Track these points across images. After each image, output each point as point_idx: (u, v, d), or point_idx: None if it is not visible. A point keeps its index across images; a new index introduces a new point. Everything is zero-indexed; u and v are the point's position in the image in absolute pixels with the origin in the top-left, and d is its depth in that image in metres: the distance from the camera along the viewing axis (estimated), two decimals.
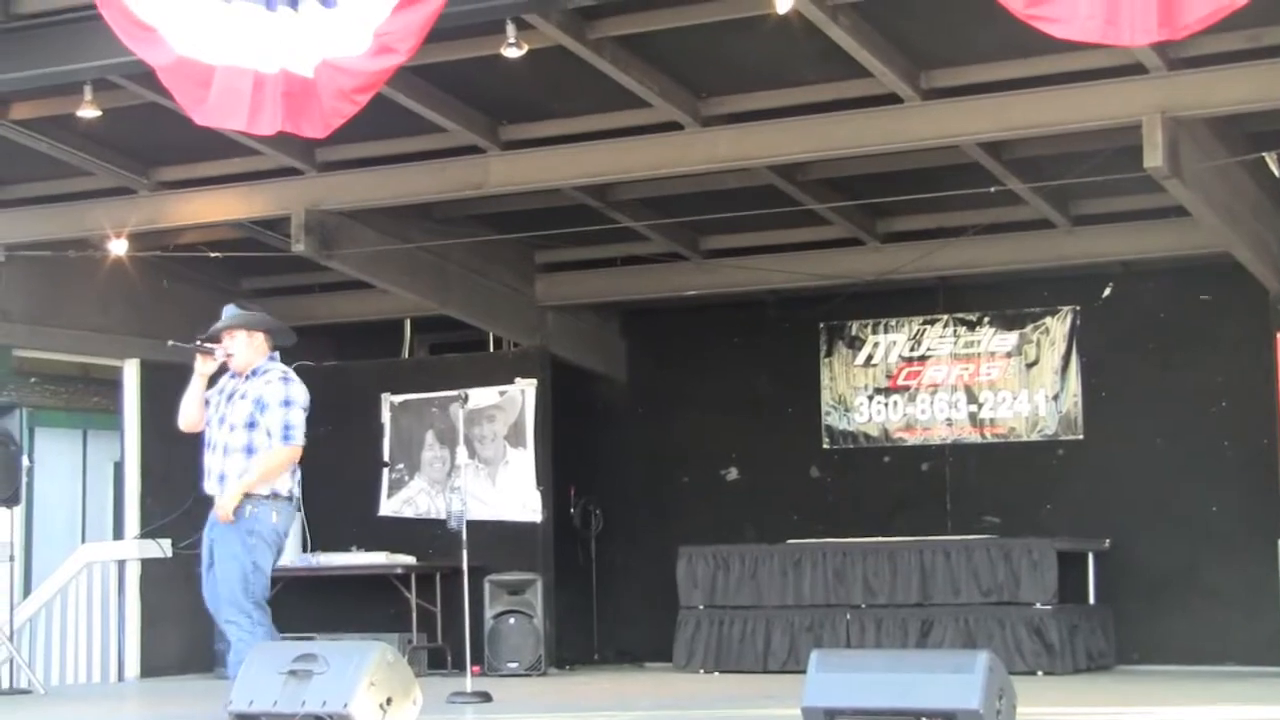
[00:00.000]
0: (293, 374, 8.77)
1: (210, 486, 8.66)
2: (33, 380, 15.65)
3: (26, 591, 14.94)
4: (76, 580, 14.17)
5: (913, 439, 14.19)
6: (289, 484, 8.66)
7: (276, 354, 8.89)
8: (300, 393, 8.66)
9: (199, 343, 8.74)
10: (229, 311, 8.88)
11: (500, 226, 13.30)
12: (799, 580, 13.09)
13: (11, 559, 13.51)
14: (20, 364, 14.21)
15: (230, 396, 8.71)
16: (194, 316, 14.46)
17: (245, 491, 8.50)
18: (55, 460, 16.19)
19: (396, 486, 14.48)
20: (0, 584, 13.28)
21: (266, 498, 8.55)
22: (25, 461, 13.24)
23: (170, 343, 8.93)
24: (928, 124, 10.51)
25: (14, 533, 14.00)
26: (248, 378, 8.70)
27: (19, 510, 13.96)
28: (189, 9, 7.94)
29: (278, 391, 8.61)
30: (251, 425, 8.58)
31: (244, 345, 8.73)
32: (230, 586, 8.48)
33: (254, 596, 8.51)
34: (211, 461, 8.68)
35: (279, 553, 8.74)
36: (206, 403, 8.80)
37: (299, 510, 8.86)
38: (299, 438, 8.59)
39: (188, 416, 8.84)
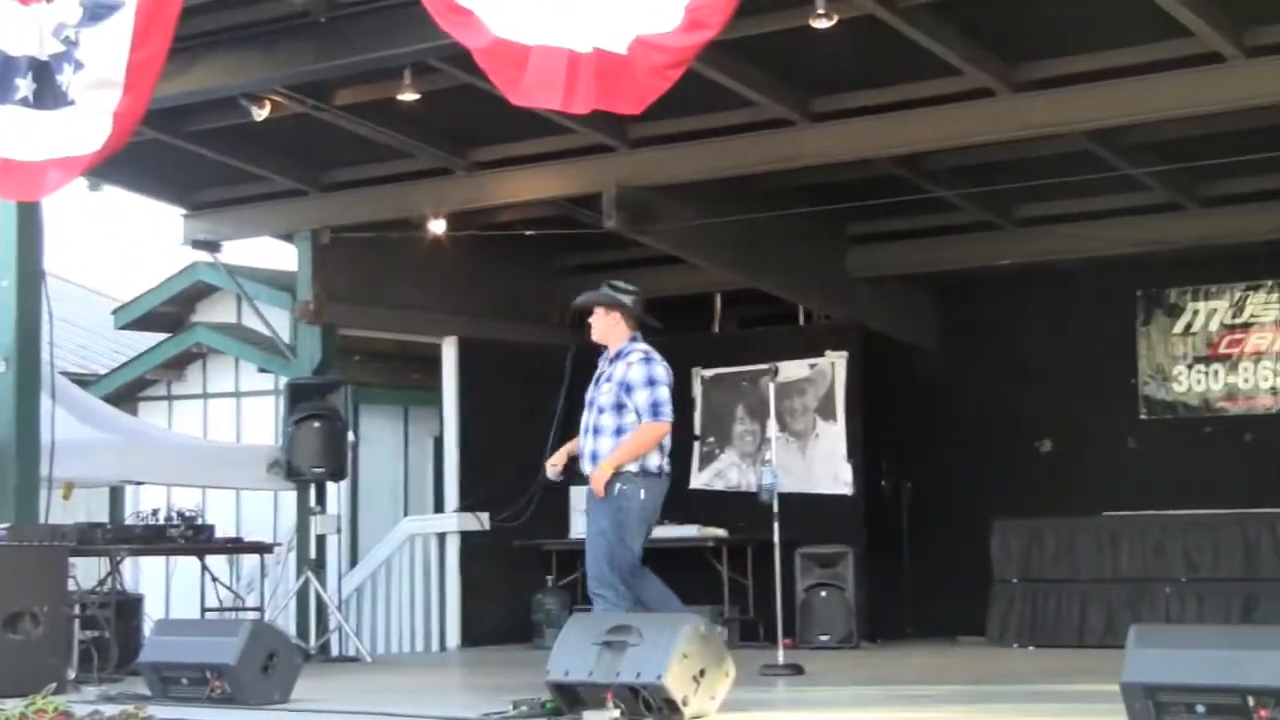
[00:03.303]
0: (654, 353, 9.04)
1: (585, 466, 9.02)
2: (356, 358, 16.12)
3: (353, 562, 15.43)
4: (400, 552, 14.60)
5: (1235, 409, 13.78)
6: (658, 460, 8.93)
7: (639, 334, 9.17)
8: (663, 371, 8.95)
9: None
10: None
11: (811, 199, 13.27)
12: (1116, 553, 12.84)
13: (339, 531, 13.97)
14: (345, 342, 14.65)
15: (598, 381, 9.05)
16: (510, 293, 14.93)
17: (616, 467, 8.79)
18: (378, 436, 16.66)
19: (707, 460, 14.58)
20: (329, 555, 13.75)
21: (635, 474, 8.84)
22: (350, 437, 13.68)
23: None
24: (1253, 83, 10.14)
25: (341, 506, 14.49)
26: (612, 361, 9.02)
27: (345, 484, 14.46)
28: None
29: (640, 372, 8.90)
30: (619, 408, 8.90)
31: (603, 322, 9.10)
32: (597, 561, 8.81)
33: (619, 570, 8.78)
34: (584, 443, 9.02)
35: (649, 526, 9.01)
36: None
37: (666, 484, 9.08)
38: (667, 414, 8.87)
39: None
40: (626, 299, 9.13)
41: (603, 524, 8.84)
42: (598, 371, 9.14)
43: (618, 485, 8.83)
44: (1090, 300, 14.26)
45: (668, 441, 9.00)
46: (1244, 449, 13.67)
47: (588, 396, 9.11)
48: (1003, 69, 10.61)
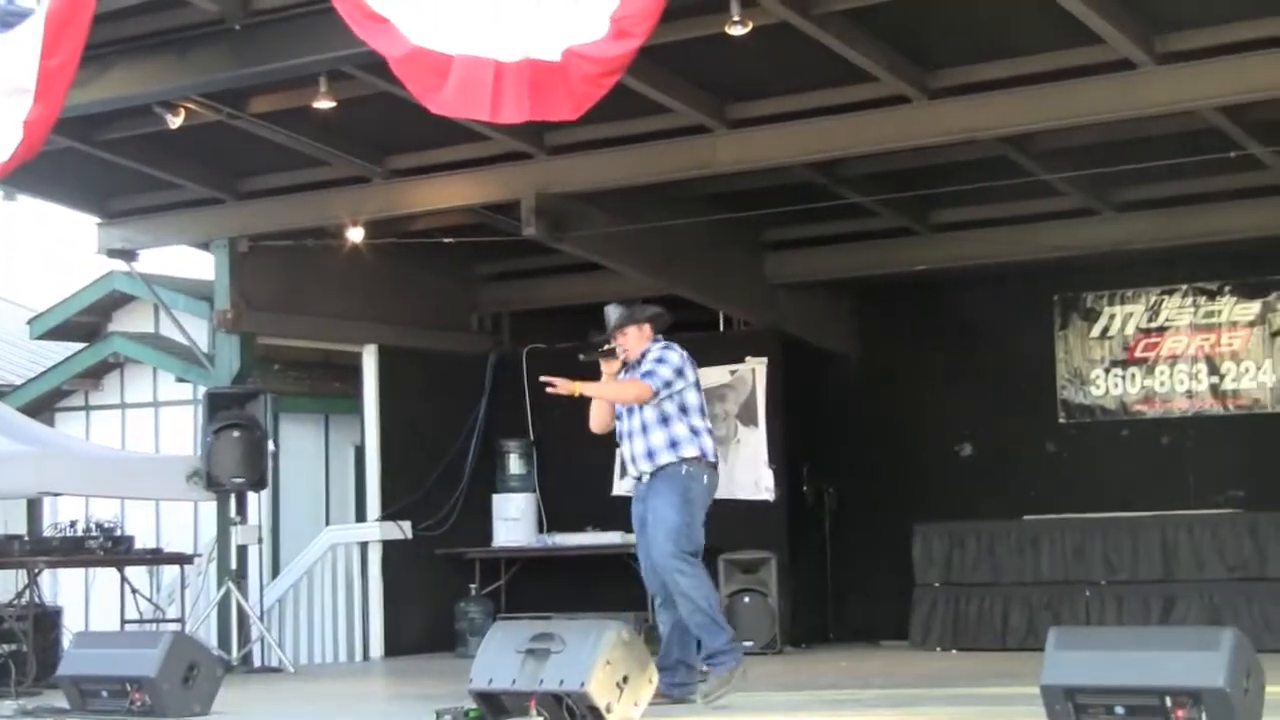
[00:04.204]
0: (674, 345, 9.16)
1: (632, 471, 9.16)
2: (276, 367, 16.01)
3: (275, 572, 15.33)
4: (322, 562, 14.51)
5: (1152, 412, 13.91)
6: (713, 447, 9.15)
7: (661, 337, 9.26)
8: (676, 356, 9.08)
9: (602, 349, 9.25)
10: (612, 312, 9.30)
11: (728, 205, 13.29)
12: (1037, 557, 12.93)
13: (260, 541, 13.87)
14: (265, 351, 14.56)
15: None
16: (430, 301, 14.88)
17: (591, 394, 9.15)
18: (299, 445, 16.55)
19: None
20: (250, 565, 13.65)
21: (699, 459, 9.01)
22: (270, 446, 13.58)
23: (581, 356, 9.41)
24: (1163, 89, 10.25)
25: (262, 516, 14.37)
26: (637, 364, 9.13)
27: (266, 494, 14.35)
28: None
29: (653, 356, 9.07)
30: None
31: (635, 339, 9.21)
32: (666, 542, 8.88)
33: (687, 548, 8.91)
34: (628, 448, 9.11)
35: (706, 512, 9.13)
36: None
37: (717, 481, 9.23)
38: (653, 382, 8.98)
39: (600, 418, 9.36)
40: (650, 309, 9.31)
41: (671, 506, 8.91)
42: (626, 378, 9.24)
43: (685, 468, 8.96)
44: (1008, 305, 14.36)
45: (707, 428, 9.17)
46: (1161, 452, 13.80)
47: (623, 408, 9.18)
48: (918, 75, 10.66)
